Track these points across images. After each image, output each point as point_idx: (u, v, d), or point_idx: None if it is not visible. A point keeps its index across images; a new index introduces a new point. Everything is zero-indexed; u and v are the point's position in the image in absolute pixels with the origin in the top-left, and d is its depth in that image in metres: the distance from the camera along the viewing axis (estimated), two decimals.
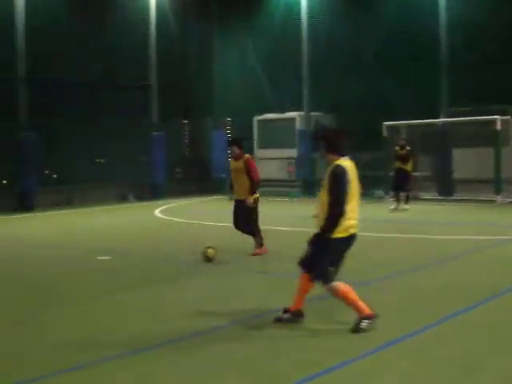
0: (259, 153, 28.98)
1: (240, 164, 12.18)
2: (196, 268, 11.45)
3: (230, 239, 13.64)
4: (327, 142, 7.64)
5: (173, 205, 24.74)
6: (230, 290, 9.69)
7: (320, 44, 27.11)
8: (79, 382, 6.06)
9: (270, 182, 28.43)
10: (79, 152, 25.20)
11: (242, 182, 12.15)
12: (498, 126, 22.08)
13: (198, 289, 9.89)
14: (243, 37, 29.56)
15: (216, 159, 29.65)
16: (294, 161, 27.85)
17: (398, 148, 21.16)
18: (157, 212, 21.88)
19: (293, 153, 27.73)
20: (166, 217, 20.42)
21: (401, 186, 20.80)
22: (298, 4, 27.95)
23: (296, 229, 15.71)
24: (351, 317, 7.34)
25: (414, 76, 24.65)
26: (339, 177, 7.31)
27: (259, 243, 12.40)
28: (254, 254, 12.28)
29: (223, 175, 29.46)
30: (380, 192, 24.64)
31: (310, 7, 27.60)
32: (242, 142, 12.75)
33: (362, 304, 7.34)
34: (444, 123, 24.51)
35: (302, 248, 7.73)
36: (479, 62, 23.53)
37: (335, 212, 7.24)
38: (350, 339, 7.04)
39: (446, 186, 24.17)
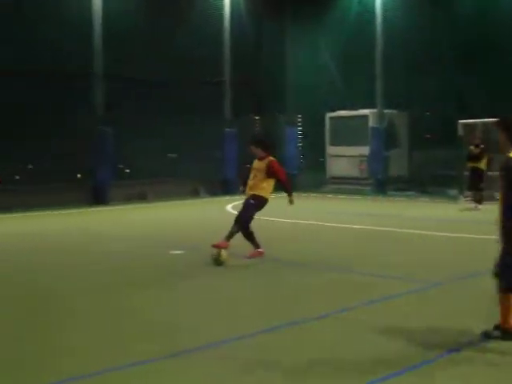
0: (330, 150, 28.87)
1: (263, 164, 11.87)
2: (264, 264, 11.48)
3: (302, 234, 13.60)
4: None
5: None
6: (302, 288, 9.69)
7: (394, 40, 26.73)
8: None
9: (340, 180, 28.35)
10: (152, 147, 25.55)
11: (258, 181, 11.83)
12: None
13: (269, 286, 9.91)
14: (316, 33, 29.42)
15: (288, 155, 29.68)
16: (365, 158, 27.62)
17: (472, 147, 20.78)
18: (228, 207, 21.95)
19: (365, 150, 27.50)
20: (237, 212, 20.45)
21: (475, 186, 20.45)
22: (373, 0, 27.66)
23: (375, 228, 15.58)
24: None
25: (491, 73, 24.12)
26: None
27: (255, 245, 11.85)
28: (214, 245, 11.47)
29: (295, 172, 29.49)
30: (454, 191, 24.23)
31: (384, 2, 27.26)
32: (266, 143, 12.27)
33: None
34: None
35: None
36: None
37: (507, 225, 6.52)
38: None
39: None
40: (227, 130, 28.06)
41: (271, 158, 11.94)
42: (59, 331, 7.56)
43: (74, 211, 21.59)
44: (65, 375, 6.03)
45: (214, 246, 11.47)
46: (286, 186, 11.97)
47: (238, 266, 11.42)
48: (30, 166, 24.39)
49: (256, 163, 12.03)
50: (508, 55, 24.03)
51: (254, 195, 11.75)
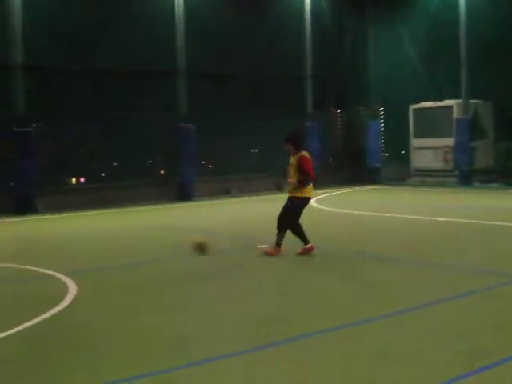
0: (415, 142, 28.54)
1: (294, 161, 11.70)
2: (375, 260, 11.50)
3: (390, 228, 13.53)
4: None
5: (328, 195, 24.82)
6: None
7: (479, 29, 26.23)
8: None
9: (425, 172, 28.03)
10: (234, 143, 25.86)
11: (291, 178, 11.68)
12: None
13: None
14: (399, 24, 29.11)
15: (371, 148, 29.56)
16: (450, 150, 27.19)
17: None
18: (312, 202, 21.99)
19: (450, 142, 27.07)
20: (321, 207, 20.51)
21: None
22: None
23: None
24: None
25: None
26: None
27: (277, 243, 11.83)
28: (266, 252, 11.79)
29: (378, 164, 29.33)
30: None
31: None
32: (297, 138, 11.95)
33: None
34: None
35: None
36: None
37: None
38: None
39: None
40: (309, 123, 28.04)
41: (303, 152, 11.79)
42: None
43: (162, 207, 22.11)
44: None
45: (267, 254, 11.66)
46: (307, 176, 11.59)
47: (323, 256, 11.51)
48: (115, 164, 25.00)
49: (290, 159, 11.90)
50: None
51: (290, 197, 11.80)
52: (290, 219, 11.69)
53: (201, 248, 12.12)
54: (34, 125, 21.41)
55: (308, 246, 11.72)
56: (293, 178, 11.63)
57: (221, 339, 7.02)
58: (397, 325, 7.36)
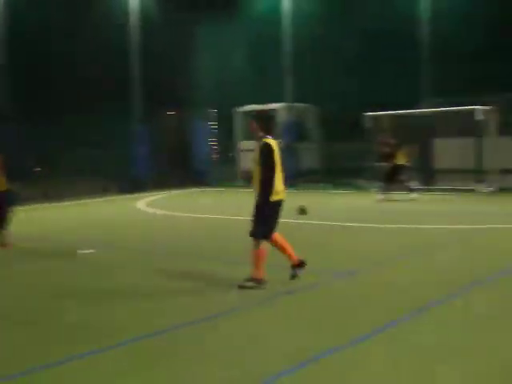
0: (242, 145, 28.97)
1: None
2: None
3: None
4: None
5: (157, 197, 24.69)
6: None
7: (303, 35, 27.11)
8: None
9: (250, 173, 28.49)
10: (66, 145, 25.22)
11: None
12: (480, 116, 22.22)
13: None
14: (227, 27, 29.48)
15: (200, 151, 29.70)
16: None
17: (385, 143, 20.66)
18: (140, 204, 21.81)
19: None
20: (147, 209, 20.38)
21: (392, 179, 20.41)
22: None
23: None
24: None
25: (396, 67, 24.76)
26: None
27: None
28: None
29: (207, 167, 29.52)
30: (361, 181, 24.79)
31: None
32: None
33: None
34: (425, 113, 24.62)
35: None
36: (460, 54, 23.65)
37: None
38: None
39: (427, 176, 24.32)
40: (138, 127, 27.72)
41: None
42: None
43: None
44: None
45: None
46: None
47: None
48: None
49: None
50: (407, 50, 24.83)
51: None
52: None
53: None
54: None
55: None
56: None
57: None
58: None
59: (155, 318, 7.75)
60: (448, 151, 23.64)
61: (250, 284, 8.78)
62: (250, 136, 28.33)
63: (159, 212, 19.49)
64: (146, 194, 25.76)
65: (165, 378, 5.83)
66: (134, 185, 26.97)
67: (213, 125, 30.91)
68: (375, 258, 10.96)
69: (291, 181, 26.73)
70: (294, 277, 9.16)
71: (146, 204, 22.00)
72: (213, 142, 30.93)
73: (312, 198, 22.67)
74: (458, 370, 5.77)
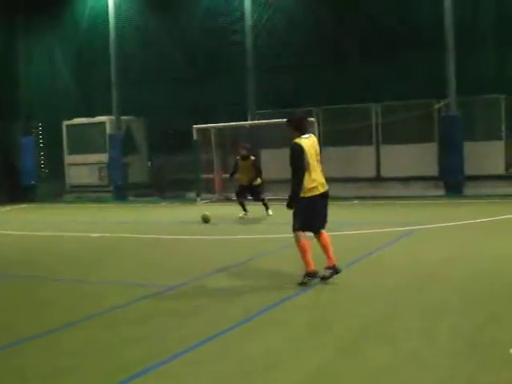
0: (69, 159, 28.38)
1: None
2: None
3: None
4: None
5: None
6: None
7: (129, 47, 26.96)
8: None
9: (81, 188, 28.00)
10: None
11: None
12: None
13: None
14: (51, 38, 28.85)
15: (25, 165, 28.77)
16: (104, 165, 27.42)
17: (243, 147, 18.46)
18: None
19: (103, 157, 27.32)
20: None
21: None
22: (105, 6, 27.30)
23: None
24: None
25: (223, 79, 25.20)
26: None
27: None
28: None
29: (33, 182, 28.59)
30: (191, 194, 24.92)
31: (117, 9, 27.10)
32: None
33: None
34: (252, 125, 25.16)
35: None
36: (286, 65, 24.35)
37: None
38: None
39: None
40: None
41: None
42: None
43: None
44: None
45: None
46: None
47: None
48: None
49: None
50: (235, 64, 25.33)
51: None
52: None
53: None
54: None
55: None
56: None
57: None
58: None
59: None
60: (275, 162, 24.23)
61: (307, 279, 9.28)
62: (78, 150, 27.92)
63: None
64: None
65: None
66: None
67: (40, 139, 30.06)
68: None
69: (120, 195, 26.64)
70: (323, 278, 9.39)
71: None
72: (40, 157, 30.08)
73: (138, 212, 22.63)
74: None
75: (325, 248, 9.46)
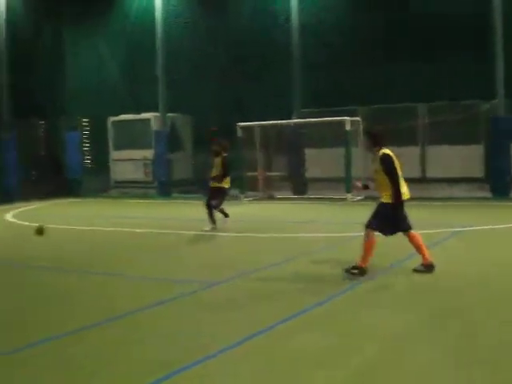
0: (114, 154, 28.65)
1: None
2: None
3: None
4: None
5: (27, 208, 23.92)
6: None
7: (176, 44, 27.09)
8: None
9: (125, 184, 28.22)
10: None
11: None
12: (348, 127, 22.83)
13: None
14: (98, 35, 29.14)
15: (71, 160, 29.05)
16: (149, 162, 27.61)
17: (218, 144, 16.31)
18: (8, 216, 21.08)
19: (149, 154, 27.51)
20: (16, 220, 19.76)
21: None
22: (153, 2, 27.47)
23: None
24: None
25: (268, 78, 25.19)
26: None
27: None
28: None
29: (78, 177, 28.87)
30: (235, 191, 24.91)
31: (165, 5, 27.24)
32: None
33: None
34: (296, 124, 25.07)
35: None
36: (331, 65, 24.27)
37: None
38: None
39: (299, 185, 24.81)
40: (5, 134, 26.86)
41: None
42: None
43: None
44: None
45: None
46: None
47: None
48: None
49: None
50: (280, 61, 25.26)
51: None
52: None
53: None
54: None
55: None
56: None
57: None
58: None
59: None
60: (319, 161, 24.22)
61: (355, 271, 9.73)
62: (123, 146, 28.18)
63: (28, 224, 18.93)
64: (16, 205, 24.88)
65: None
66: (3, 196, 26.06)
67: (85, 134, 30.36)
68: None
69: (164, 191, 26.79)
70: (416, 271, 9.90)
71: (13, 216, 21.30)
72: (86, 152, 30.37)
73: (182, 208, 22.73)
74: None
75: (419, 245, 9.95)
